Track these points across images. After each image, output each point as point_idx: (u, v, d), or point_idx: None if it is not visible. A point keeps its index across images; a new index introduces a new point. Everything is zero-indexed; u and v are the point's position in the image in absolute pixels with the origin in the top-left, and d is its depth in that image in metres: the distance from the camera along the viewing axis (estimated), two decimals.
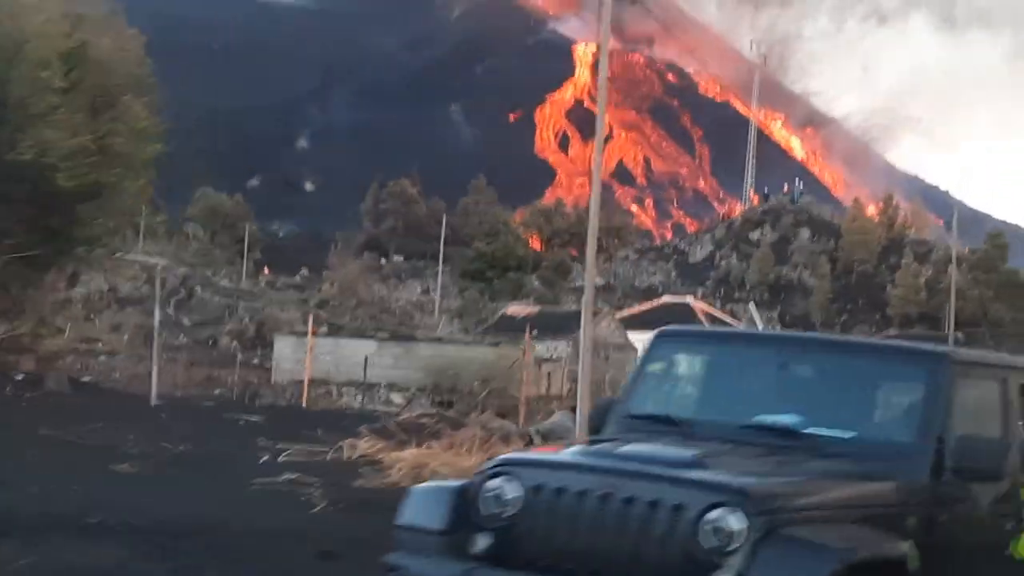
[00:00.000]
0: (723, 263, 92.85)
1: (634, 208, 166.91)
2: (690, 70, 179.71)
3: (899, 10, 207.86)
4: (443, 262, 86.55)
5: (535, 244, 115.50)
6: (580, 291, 77.86)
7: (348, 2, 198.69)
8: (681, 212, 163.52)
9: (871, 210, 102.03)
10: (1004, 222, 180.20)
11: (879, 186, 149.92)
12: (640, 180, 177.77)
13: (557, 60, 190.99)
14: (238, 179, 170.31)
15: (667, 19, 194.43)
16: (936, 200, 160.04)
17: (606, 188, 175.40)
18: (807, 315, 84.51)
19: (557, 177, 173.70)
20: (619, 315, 61.40)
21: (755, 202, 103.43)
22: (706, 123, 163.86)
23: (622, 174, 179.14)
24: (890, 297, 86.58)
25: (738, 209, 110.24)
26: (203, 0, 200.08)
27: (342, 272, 78.77)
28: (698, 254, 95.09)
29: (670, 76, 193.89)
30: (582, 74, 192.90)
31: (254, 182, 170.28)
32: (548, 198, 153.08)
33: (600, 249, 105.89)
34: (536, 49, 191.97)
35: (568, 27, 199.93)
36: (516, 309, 60.08)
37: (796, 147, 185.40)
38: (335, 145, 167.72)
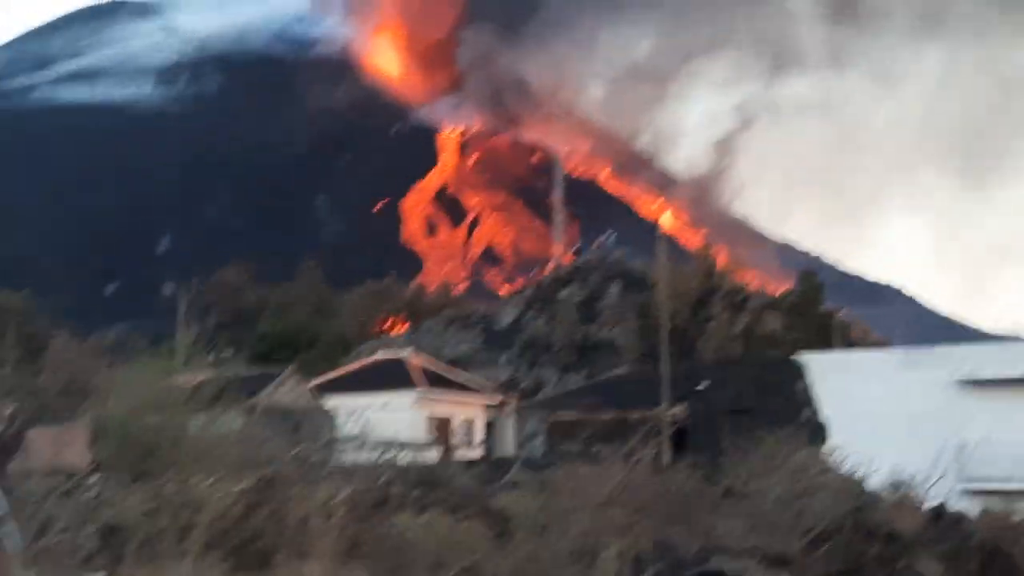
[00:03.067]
0: (530, 326, 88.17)
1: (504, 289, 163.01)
2: (564, 149, 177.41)
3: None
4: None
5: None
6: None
7: (205, 106, 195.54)
8: None
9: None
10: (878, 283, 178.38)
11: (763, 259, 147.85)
12: (509, 261, 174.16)
13: (422, 148, 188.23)
14: (96, 283, 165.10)
15: (539, 99, 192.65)
16: (799, 260, 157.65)
17: (476, 271, 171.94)
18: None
19: (425, 264, 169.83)
20: (324, 377, 56.27)
21: (566, 260, 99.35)
22: (575, 202, 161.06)
23: (491, 256, 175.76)
24: (703, 349, 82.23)
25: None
26: (60, 109, 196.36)
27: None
28: (505, 319, 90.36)
29: (536, 157, 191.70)
30: (447, 160, 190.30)
31: (113, 287, 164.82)
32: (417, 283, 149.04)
33: (409, 321, 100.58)
34: (400, 139, 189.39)
35: (432, 114, 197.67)
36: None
37: (667, 222, 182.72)
38: (196, 246, 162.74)
